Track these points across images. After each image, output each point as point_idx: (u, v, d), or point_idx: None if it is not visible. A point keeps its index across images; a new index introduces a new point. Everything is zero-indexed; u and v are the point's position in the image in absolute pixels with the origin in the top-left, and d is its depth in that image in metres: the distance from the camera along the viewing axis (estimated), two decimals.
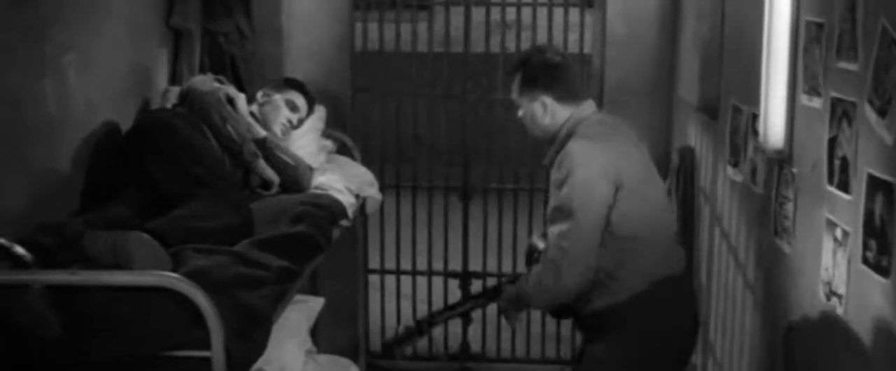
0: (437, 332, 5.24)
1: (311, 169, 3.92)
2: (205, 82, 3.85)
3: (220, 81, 3.93)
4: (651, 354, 3.09)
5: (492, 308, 5.14)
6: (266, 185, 3.75)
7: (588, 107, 3.18)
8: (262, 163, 3.74)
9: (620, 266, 3.03)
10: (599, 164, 2.99)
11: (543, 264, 3.07)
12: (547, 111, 3.14)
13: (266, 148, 3.78)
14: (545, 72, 3.15)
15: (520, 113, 3.23)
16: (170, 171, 3.32)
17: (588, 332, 3.23)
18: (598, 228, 2.99)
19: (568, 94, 3.14)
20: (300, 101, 4.06)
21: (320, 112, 4.24)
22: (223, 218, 3.14)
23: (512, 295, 3.31)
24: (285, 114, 3.98)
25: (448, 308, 3.67)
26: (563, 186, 3.00)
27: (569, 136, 3.09)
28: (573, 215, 2.97)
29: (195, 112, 3.66)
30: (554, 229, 3.02)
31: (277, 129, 3.93)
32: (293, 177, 3.81)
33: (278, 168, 3.78)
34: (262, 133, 3.84)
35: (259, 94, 4.04)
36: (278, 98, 4.00)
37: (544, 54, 3.21)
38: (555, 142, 3.15)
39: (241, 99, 3.88)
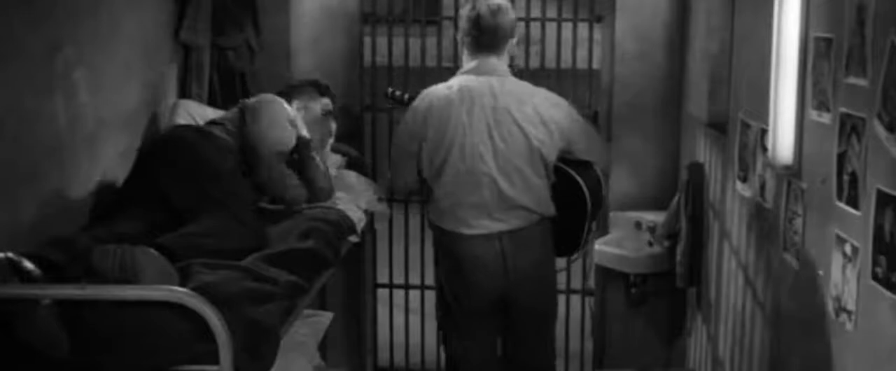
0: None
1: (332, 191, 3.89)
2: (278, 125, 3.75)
3: (293, 124, 3.80)
4: (454, 274, 3.80)
5: None
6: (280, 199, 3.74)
7: (477, 63, 3.74)
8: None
9: (433, 196, 3.75)
10: (422, 107, 3.71)
11: None
12: (460, 54, 3.87)
13: (304, 152, 3.79)
14: (465, 21, 3.76)
15: None
16: (184, 188, 3.28)
17: None
18: (404, 150, 3.76)
19: (471, 46, 3.78)
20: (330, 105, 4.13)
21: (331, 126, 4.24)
22: (237, 238, 3.13)
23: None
24: (328, 126, 4.05)
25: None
26: None
27: None
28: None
29: (244, 152, 3.64)
30: None
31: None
32: (322, 188, 3.80)
33: (309, 176, 3.77)
34: (307, 135, 3.84)
35: (295, 105, 3.99)
36: (317, 108, 4.05)
37: (475, 7, 3.73)
38: None
39: (299, 120, 3.87)
